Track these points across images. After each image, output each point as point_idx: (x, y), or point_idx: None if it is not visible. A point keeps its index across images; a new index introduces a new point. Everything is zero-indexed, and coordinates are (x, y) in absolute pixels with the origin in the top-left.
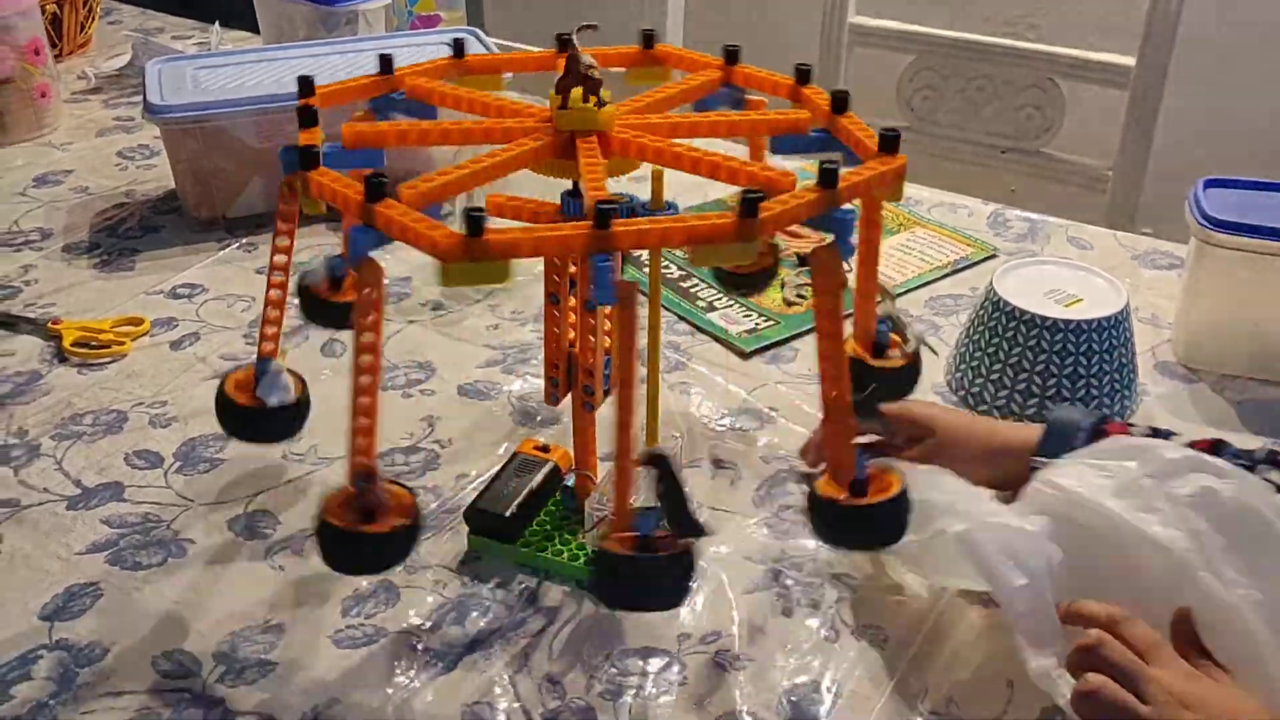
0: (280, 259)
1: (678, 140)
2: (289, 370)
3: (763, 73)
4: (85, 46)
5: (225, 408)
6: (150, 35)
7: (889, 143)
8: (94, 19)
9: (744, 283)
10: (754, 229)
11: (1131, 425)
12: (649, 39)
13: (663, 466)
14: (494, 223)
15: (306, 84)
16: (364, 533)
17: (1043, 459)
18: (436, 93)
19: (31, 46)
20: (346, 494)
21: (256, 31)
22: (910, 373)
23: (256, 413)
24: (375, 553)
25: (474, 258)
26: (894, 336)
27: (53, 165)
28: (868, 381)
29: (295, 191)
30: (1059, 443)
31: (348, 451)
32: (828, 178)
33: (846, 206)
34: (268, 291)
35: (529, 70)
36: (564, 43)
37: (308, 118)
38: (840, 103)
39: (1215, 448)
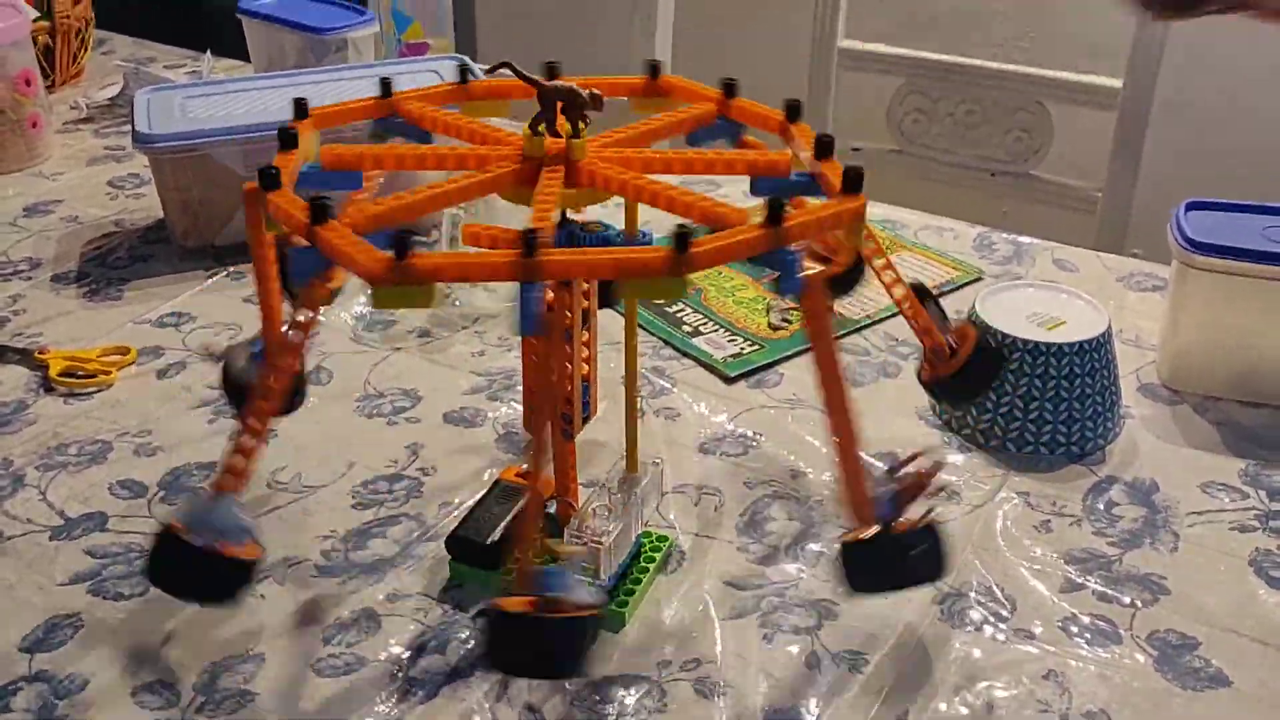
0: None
1: (652, 175)
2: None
3: (757, 107)
4: (78, 76)
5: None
6: (142, 65)
7: (851, 181)
8: (86, 49)
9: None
10: (685, 264)
11: None
12: (655, 69)
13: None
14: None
15: (301, 107)
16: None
17: None
18: (428, 118)
19: (22, 77)
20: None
21: (248, 60)
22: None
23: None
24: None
25: (399, 281)
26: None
27: (43, 195)
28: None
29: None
30: None
31: (218, 469)
32: (774, 214)
33: (792, 246)
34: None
35: (528, 97)
36: (522, 77)
37: (288, 140)
38: (825, 147)
39: None
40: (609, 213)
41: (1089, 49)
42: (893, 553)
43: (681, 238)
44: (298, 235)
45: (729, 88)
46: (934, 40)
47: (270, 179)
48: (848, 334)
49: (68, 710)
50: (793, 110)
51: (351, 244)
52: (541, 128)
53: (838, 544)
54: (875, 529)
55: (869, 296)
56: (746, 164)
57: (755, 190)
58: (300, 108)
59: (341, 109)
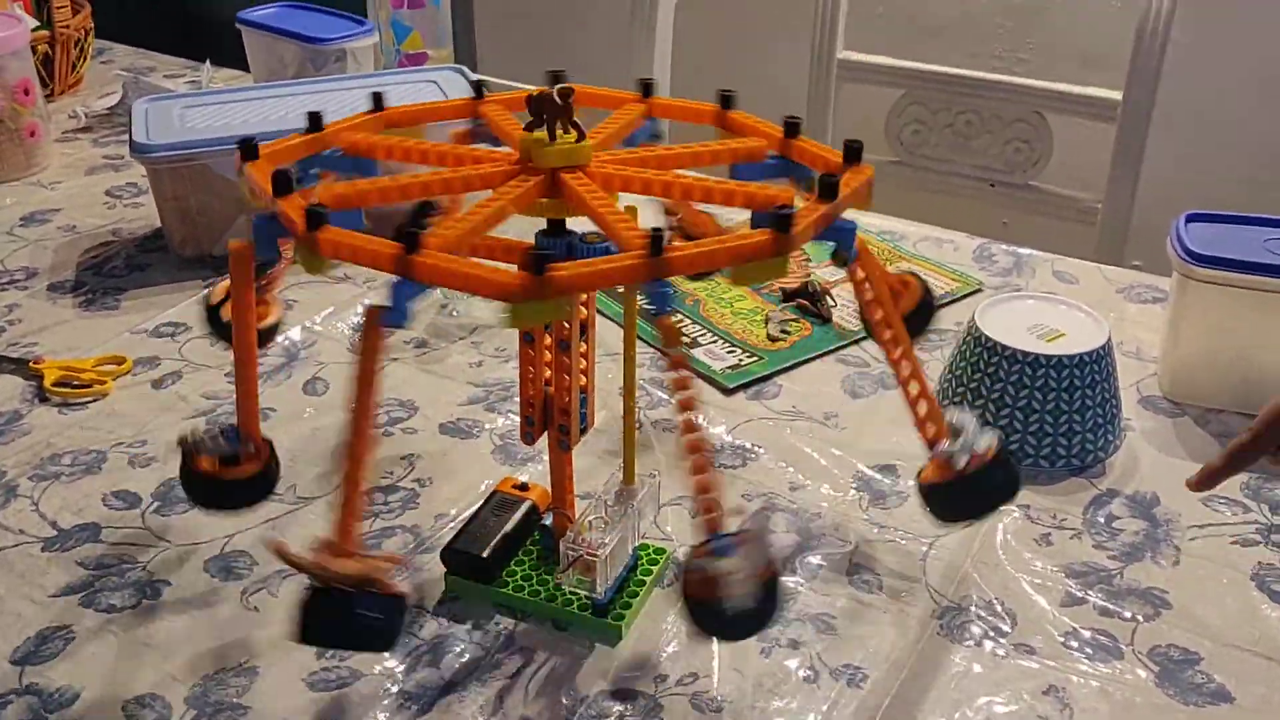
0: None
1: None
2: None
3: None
4: (77, 86)
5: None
6: (141, 74)
7: (853, 153)
8: (86, 59)
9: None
10: (788, 242)
11: None
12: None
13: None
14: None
15: (249, 148)
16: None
17: None
18: (381, 147)
19: (21, 86)
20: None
21: (247, 70)
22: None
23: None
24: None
25: (541, 296)
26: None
27: (41, 204)
28: None
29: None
30: None
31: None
32: (828, 190)
33: (846, 217)
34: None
35: (448, 119)
36: (557, 84)
37: (282, 184)
38: (792, 129)
39: None
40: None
41: (1088, 60)
42: (971, 488)
43: (782, 218)
44: (386, 270)
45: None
46: (934, 52)
47: (318, 218)
48: (847, 345)
49: None
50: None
51: (471, 266)
52: (544, 134)
53: (915, 482)
54: (951, 474)
55: None
56: (730, 153)
57: (735, 176)
58: (249, 149)
59: (282, 147)
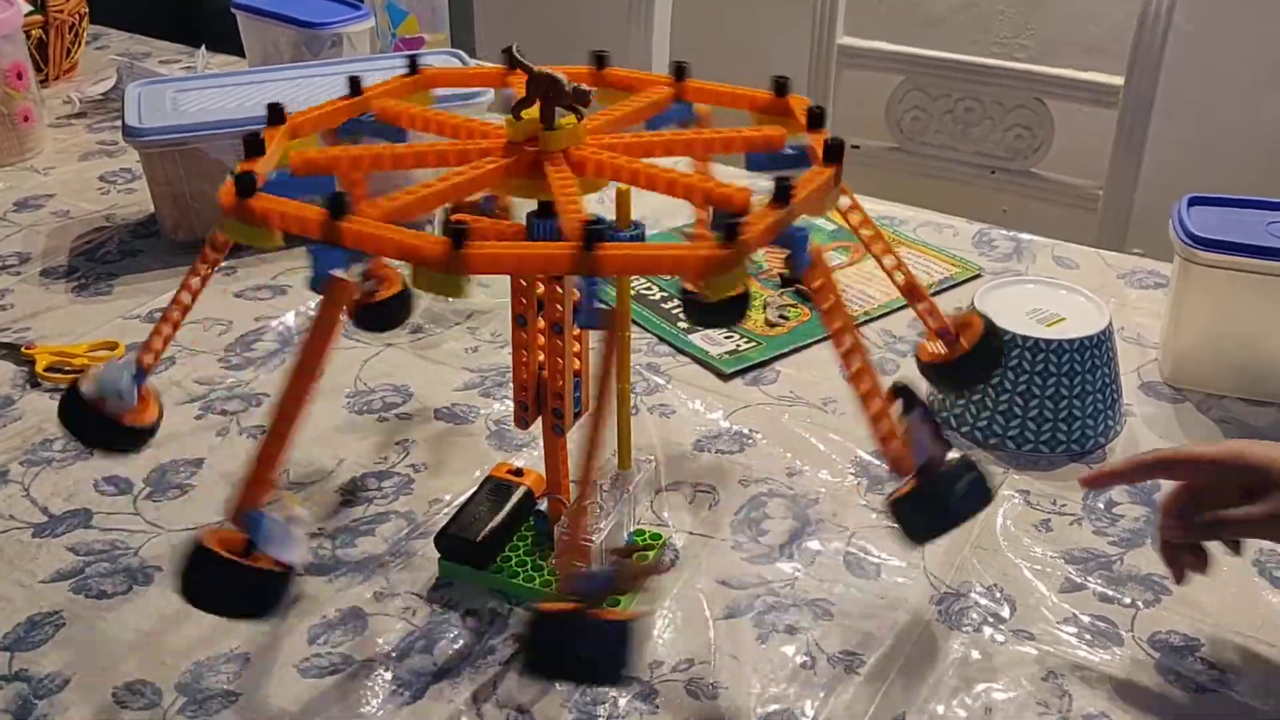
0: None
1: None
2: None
3: (721, 87)
4: (72, 71)
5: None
6: (136, 60)
7: (782, 87)
8: (81, 44)
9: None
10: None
11: None
12: (601, 60)
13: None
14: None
15: (247, 183)
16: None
17: None
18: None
19: (14, 71)
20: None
21: (243, 55)
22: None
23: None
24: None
25: (735, 263)
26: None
27: (34, 189)
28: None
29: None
30: None
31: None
32: (816, 119)
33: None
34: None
35: (346, 118)
36: (512, 61)
37: (339, 209)
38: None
39: None
40: (605, 207)
41: (1090, 47)
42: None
43: (834, 148)
44: (564, 272)
45: (679, 70)
46: (934, 38)
47: (461, 235)
48: None
49: (47, 710)
50: (780, 87)
51: (662, 249)
52: (526, 114)
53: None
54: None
55: (867, 293)
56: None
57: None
58: (247, 185)
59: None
